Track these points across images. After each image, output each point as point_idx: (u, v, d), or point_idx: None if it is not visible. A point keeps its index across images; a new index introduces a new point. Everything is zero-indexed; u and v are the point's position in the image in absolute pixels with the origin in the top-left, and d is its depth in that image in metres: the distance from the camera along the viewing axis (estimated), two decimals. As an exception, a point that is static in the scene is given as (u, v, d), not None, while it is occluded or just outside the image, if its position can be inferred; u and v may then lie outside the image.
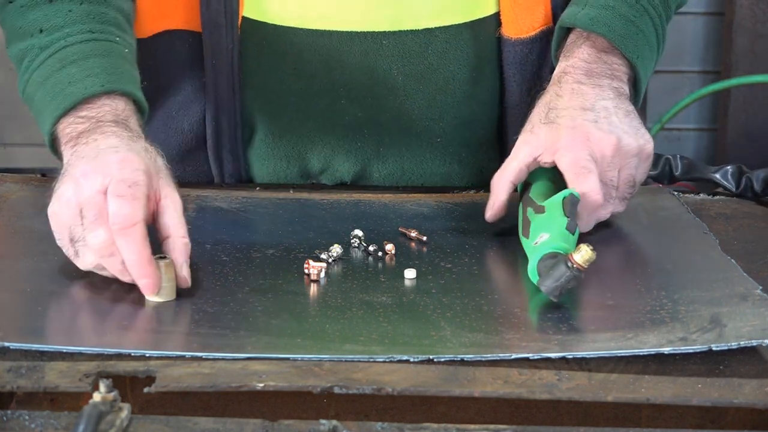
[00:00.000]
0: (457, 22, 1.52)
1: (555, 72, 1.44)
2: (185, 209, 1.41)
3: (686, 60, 3.75)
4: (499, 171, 1.39)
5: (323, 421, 1.00)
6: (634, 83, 1.45)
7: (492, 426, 1.01)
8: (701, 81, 3.76)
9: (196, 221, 1.41)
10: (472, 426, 1.01)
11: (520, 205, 1.37)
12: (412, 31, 1.51)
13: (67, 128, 1.32)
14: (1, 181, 1.52)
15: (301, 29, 1.50)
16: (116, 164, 1.23)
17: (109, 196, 1.20)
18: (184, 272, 1.22)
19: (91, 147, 1.27)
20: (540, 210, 1.32)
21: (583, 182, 1.33)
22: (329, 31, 1.50)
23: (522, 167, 1.37)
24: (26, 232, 1.39)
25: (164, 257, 1.20)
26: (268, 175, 1.57)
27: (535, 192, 1.37)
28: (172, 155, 1.40)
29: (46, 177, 1.58)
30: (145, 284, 1.19)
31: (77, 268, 1.26)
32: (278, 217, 1.44)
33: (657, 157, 1.55)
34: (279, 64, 1.51)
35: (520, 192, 1.40)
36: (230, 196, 1.48)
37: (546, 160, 1.36)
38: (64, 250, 1.24)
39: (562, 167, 1.35)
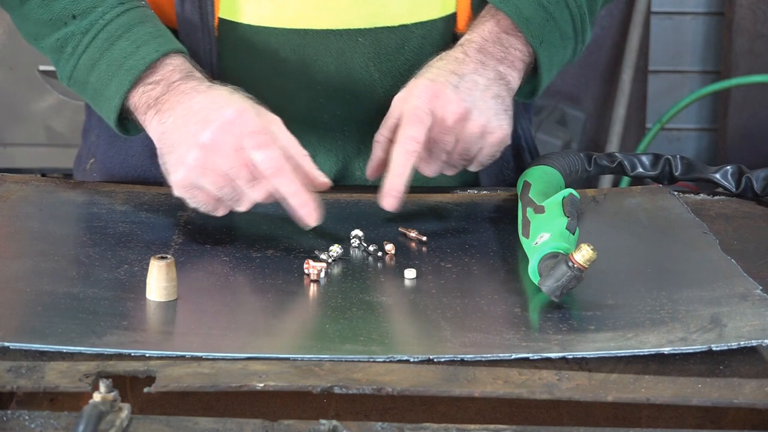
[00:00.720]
0: (432, 18, 1.53)
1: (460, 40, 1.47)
2: (185, 210, 1.42)
3: (686, 60, 3.75)
4: (379, 129, 1.43)
5: (323, 421, 1.00)
6: (536, 69, 1.47)
7: (492, 426, 1.01)
8: (701, 81, 3.76)
9: (196, 221, 1.41)
10: (472, 426, 1.01)
11: (520, 205, 1.37)
12: (387, 27, 1.52)
13: (140, 98, 1.39)
14: (1, 181, 1.52)
15: (277, 29, 1.50)
16: (233, 119, 1.32)
17: (249, 151, 1.30)
18: (316, 174, 1.35)
19: (185, 107, 1.35)
20: (540, 210, 1.32)
21: (409, 127, 1.37)
22: (305, 29, 1.50)
23: (394, 122, 1.41)
24: (26, 232, 1.39)
25: (165, 257, 1.20)
26: None
27: (534, 192, 1.37)
28: (154, 156, 1.40)
29: (46, 177, 1.58)
30: (307, 212, 1.31)
31: (77, 268, 1.27)
32: (278, 217, 1.44)
33: (657, 157, 1.55)
34: (256, 64, 1.51)
35: (520, 192, 1.40)
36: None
37: (402, 107, 1.40)
38: (206, 210, 1.35)
39: (404, 112, 1.38)
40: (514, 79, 1.44)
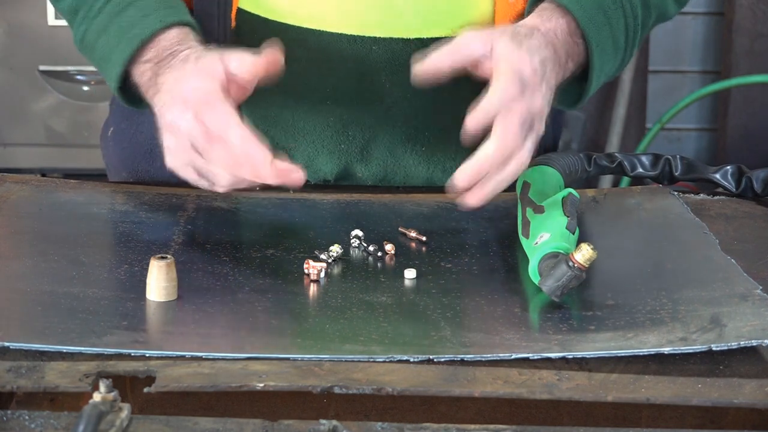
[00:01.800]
0: (447, 35, 1.52)
1: (530, 20, 1.41)
2: (185, 210, 1.42)
3: (686, 60, 3.75)
4: (449, 48, 1.34)
5: (323, 421, 1.00)
6: (585, 73, 1.44)
7: (492, 426, 1.01)
8: (701, 81, 3.76)
9: (196, 221, 1.41)
10: (472, 426, 1.01)
11: (519, 205, 1.37)
12: (403, 39, 1.51)
13: (140, 78, 1.40)
14: (1, 181, 1.52)
15: (293, 26, 1.50)
16: (191, 91, 1.29)
17: (202, 117, 1.28)
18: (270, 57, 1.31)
19: (161, 92, 1.34)
20: (540, 210, 1.32)
21: (513, 96, 1.29)
22: (320, 30, 1.50)
23: (473, 55, 1.33)
24: (26, 232, 1.39)
25: (165, 257, 1.20)
26: None
27: (534, 192, 1.37)
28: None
29: (46, 177, 1.58)
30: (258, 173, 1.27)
31: (77, 268, 1.27)
32: (278, 217, 1.44)
33: (657, 157, 1.55)
34: None
35: (520, 192, 1.40)
36: (230, 196, 1.48)
37: (490, 65, 1.33)
38: (200, 185, 1.33)
39: (498, 72, 1.30)
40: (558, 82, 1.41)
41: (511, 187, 1.47)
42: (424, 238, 1.37)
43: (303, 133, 1.55)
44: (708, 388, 1.06)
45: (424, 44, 1.51)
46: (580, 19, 1.42)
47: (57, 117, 3.43)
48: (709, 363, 1.10)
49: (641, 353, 1.10)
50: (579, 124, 3.69)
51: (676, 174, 1.55)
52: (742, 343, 1.10)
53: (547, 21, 1.42)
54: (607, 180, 3.40)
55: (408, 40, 1.51)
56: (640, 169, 1.55)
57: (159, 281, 1.20)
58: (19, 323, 1.15)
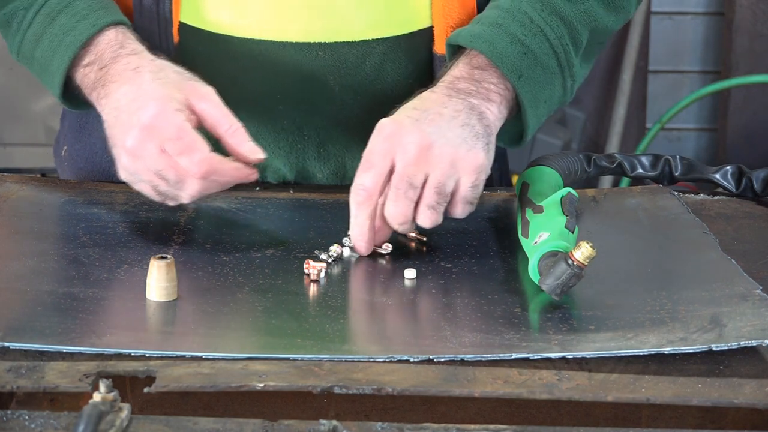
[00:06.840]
0: (393, 35, 1.52)
1: (458, 71, 1.40)
2: (185, 210, 1.42)
3: (686, 60, 3.75)
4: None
5: (323, 421, 1.00)
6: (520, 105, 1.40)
7: (492, 426, 1.01)
8: (701, 81, 3.76)
9: (196, 221, 1.41)
10: (472, 426, 1.01)
11: (519, 205, 1.37)
12: (348, 42, 1.50)
13: (82, 80, 1.41)
14: (1, 181, 1.52)
15: (237, 38, 1.49)
16: (150, 123, 1.31)
17: (174, 157, 1.30)
18: (247, 149, 1.35)
19: (114, 100, 1.36)
20: (539, 210, 1.32)
21: (357, 176, 1.31)
22: (265, 40, 1.49)
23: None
24: (26, 232, 1.39)
25: (165, 257, 1.20)
26: None
27: (533, 192, 1.37)
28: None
29: (46, 177, 1.58)
30: (245, 179, 1.34)
31: (77, 268, 1.27)
32: (278, 217, 1.44)
33: (657, 157, 1.55)
34: (215, 72, 1.49)
35: (519, 192, 1.40)
36: (230, 196, 1.48)
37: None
38: (155, 199, 1.35)
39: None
40: (491, 111, 1.36)
41: (511, 188, 1.48)
42: (424, 238, 1.37)
43: (258, 139, 1.51)
44: (708, 388, 1.06)
45: (369, 45, 1.50)
46: (487, 54, 1.38)
47: (57, 117, 3.41)
48: (709, 363, 1.10)
49: (641, 353, 1.10)
50: (579, 124, 3.69)
51: (676, 174, 1.55)
52: (742, 343, 1.10)
53: (444, 73, 1.40)
54: (607, 180, 3.40)
55: (353, 42, 1.50)
56: (640, 170, 1.55)
57: (159, 281, 1.20)
58: (19, 323, 1.15)
